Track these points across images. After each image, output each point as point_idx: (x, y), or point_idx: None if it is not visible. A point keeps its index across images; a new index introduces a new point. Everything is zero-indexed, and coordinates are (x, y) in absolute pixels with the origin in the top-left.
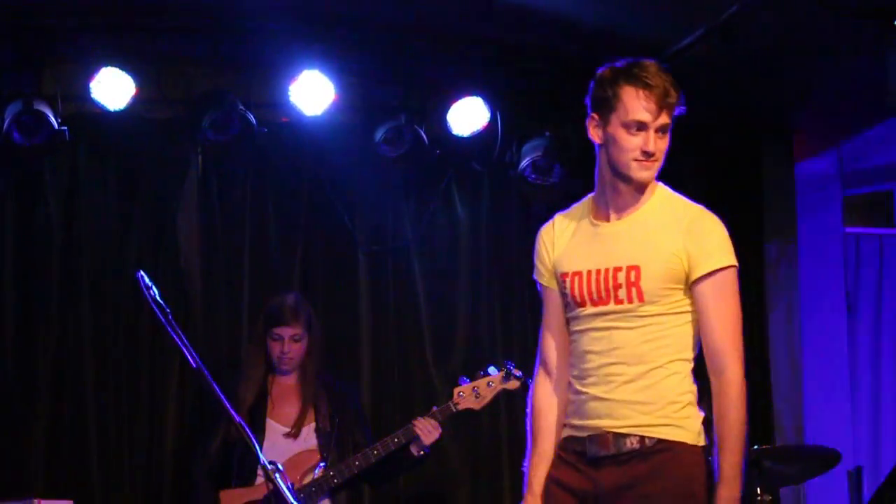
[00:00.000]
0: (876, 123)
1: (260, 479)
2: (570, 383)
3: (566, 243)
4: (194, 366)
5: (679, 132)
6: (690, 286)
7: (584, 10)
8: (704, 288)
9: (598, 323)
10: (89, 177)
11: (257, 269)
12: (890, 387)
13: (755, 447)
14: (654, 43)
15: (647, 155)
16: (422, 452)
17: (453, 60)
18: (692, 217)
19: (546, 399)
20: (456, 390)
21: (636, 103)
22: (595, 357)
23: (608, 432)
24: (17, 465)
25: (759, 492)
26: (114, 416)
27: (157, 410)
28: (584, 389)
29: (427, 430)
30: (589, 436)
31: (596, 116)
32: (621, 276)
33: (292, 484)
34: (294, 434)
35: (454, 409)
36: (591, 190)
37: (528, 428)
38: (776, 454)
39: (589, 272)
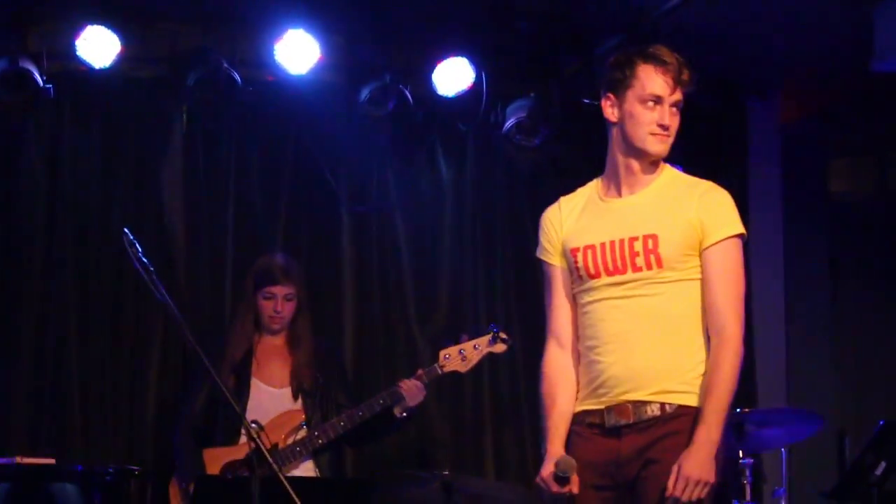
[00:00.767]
0: (861, 84)
1: (243, 439)
2: (581, 356)
3: (574, 221)
4: (178, 322)
5: None
6: (700, 252)
7: None
8: (712, 253)
9: (615, 292)
10: (73, 134)
11: (241, 228)
12: (873, 350)
13: (737, 410)
14: (640, 5)
15: (663, 128)
16: (404, 414)
17: (439, 20)
18: (704, 189)
19: (561, 367)
20: (442, 352)
21: (653, 78)
22: (613, 324)
23: (628, 402)
24: None
25: (741, 455)
26: (97, 374)
27: (139, 369)
28: (601, 358)
29: (412, 391)
30: (607, 407)
31: (612, 96)
32: (638, 245)
33: (276, 444)
34: (279, 393)
35: (440, 371)
36: (573, 151)
37: (542, 395)
38: (759, 418)
39: (603, 244)
